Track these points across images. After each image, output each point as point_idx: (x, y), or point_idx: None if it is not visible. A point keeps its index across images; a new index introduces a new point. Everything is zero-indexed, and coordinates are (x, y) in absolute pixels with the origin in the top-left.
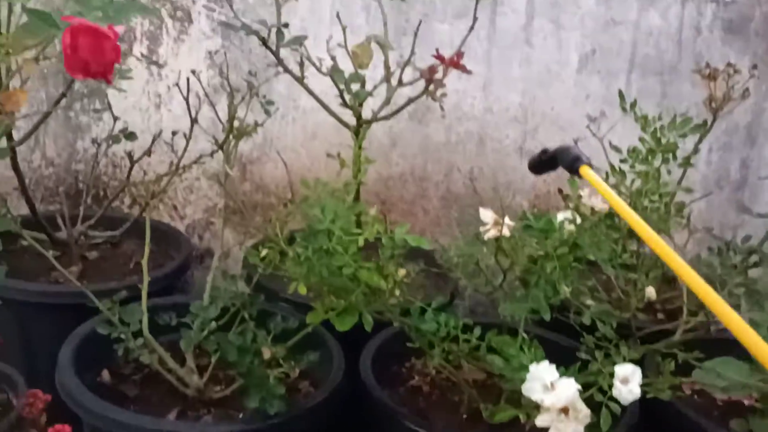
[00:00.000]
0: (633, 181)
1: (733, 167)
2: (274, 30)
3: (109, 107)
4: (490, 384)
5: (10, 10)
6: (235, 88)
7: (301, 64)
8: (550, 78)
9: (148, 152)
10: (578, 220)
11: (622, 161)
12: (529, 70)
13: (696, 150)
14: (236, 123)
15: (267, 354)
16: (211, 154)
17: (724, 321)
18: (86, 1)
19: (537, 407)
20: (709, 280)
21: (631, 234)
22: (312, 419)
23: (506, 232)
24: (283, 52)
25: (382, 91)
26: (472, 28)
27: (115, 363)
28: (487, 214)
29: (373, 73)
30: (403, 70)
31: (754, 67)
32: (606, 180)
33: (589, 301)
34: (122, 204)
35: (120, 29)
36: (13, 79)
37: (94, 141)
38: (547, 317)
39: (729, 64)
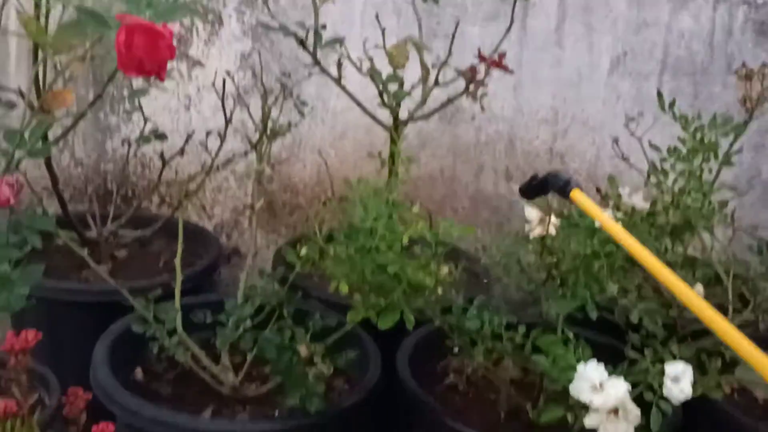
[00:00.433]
0: (675, 180)
1: (765, 167)
2: (310, 31)
3: (140, 108)
4: (527, 382)
5: (48, 9)
6: (267, 90)
7: (339, 65)
8: (580, 80)
9: (181, 152)
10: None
11: (662, 160)
12: (560, 72)
13: (736, 149)
14: (269, 123)
15: (305, 352)
16: (245, 154)
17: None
18: (137, 0)
19: (585, 407)
20: (747, 280)
21: (674, 233)
22: (350, 417)
23: (552, 230)
24: (318, 54)
25: (415, 93)
26: (508, 29)
27: (148, 361)
28: (532, 213)
29: (407, 75)
30: (439, 71)
31: None
32: (648, 179)
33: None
34: (150, 204)
35: (174, 28)
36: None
37: (124, 141)
38: (594, 315)
39: (764, 64)
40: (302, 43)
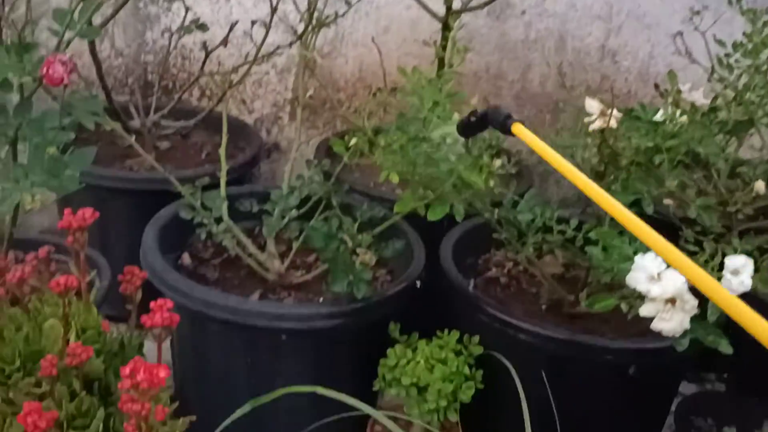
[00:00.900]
0: (740, 75)
1: None
2: None
3: None
4: (568, 278)
5: None
6: None
7: None
8: None
9: (224, 42)
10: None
11: (726, 55)
12: None
13: None
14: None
15: (365, 258)
16: (290, 45)
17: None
18: None
19: (639, 297)
20: None
21: (734, 130)
22: (393, 305)
23: (613, 123)
24: None
25: None
26: None
27: (195, 247)
28: (593, 105)
29: None
30: None
31: None
32: (711, 75)
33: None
34: (191, 96)
35: None
36: None
37: (165, 31)
38: (650, 210)
39: None
40: None
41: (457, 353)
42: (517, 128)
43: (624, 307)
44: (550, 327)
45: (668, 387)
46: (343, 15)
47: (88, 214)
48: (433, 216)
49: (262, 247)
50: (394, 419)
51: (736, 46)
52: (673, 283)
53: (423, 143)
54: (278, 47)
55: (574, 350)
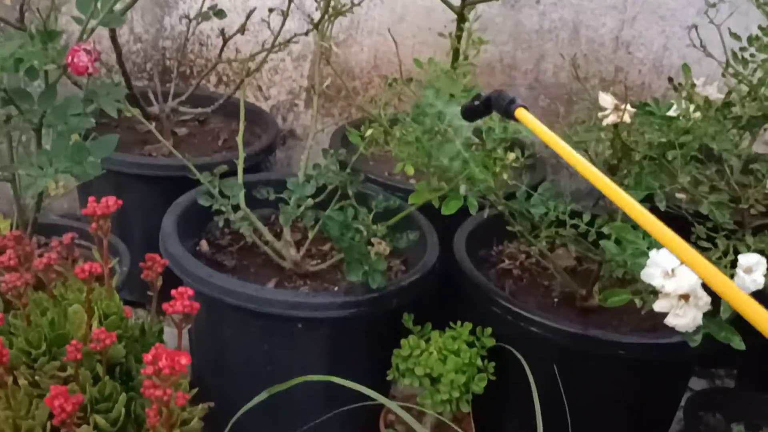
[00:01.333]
0: (755, 70)
1: None
2: None
3: None
4: (580, 271)
5: None
6: None
7: None
8: None
9: (242, 29)
10: (691, 110)
11: (741, 49)
12: None
13: None
14: (331, 1)
15: (380, 248)
16: (306, 33)
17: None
18: None
19: (652, 292)
20: None
21: (747, 125)
22: (407, 295)
23: (627, 118)
24: None
25: None
26: None
27: (212, 234)
28: (606, 99)
29: None
30: None
31: None
32: (726, 69)
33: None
34: (208, 82)
35: None
36: None
37: (184, 17)
38: (663, 206)
39: None
40: None
41: (470, 345)
42: (521, 113)
43: (638, 302)
44: (562, 320)
45: (678, 382)
46: (359, 3)
47: (111, 201)
48: (447, 210)
49: (278, 235)
50: (407, 409)
51: (751, 40)
52: (688, 279)
53: (438, 136)
54: (295, 35)
55: (586, 344)
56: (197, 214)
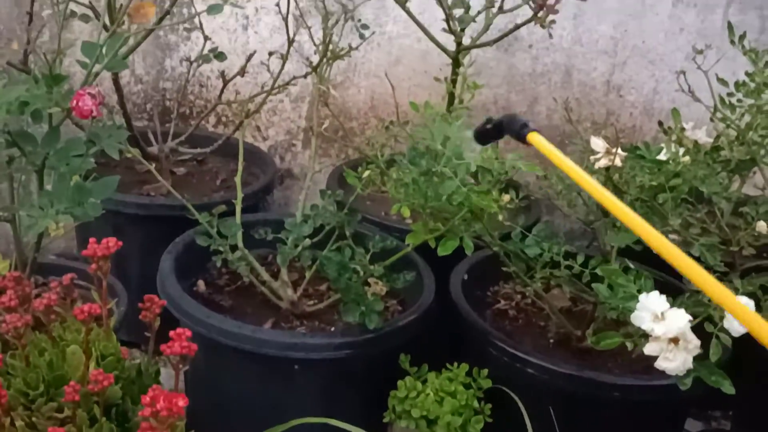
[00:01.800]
0: (742, 115)
1: None
2: None
3: (201, 27)
4: (576, 312)
5: None
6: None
7: None
8: (643, 10)
9: (242, 72)
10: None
11: (729, 95)
12: (623, 1)
13: None
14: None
15: (377, 288)
16: (305, 76)
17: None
18: None
19: (643, 335)
20: None
21: (736, 169)
22: (404, 336)
23: (618, 162)
24: None
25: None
26: None
27: (209, 274)
28: (598, 143)
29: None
30: None
31: None
32: (714, 113)
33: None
34: (207, 123)
35: None
36: None
37: (185, 59)
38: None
39: None
40: None
41: (467, 386)
42: (533, 137)
43: (629, 345)
44: (558, 362)
45: (674, 424)
46: (357, 48)
47: (111, 242)
48: (444, 251)
49: (275, 275)
50: None
51: (738, 85)
52: (677, 322)
53: (434, 178)
54: (294, 77)
55: (582, 385)
56: (195, 255)
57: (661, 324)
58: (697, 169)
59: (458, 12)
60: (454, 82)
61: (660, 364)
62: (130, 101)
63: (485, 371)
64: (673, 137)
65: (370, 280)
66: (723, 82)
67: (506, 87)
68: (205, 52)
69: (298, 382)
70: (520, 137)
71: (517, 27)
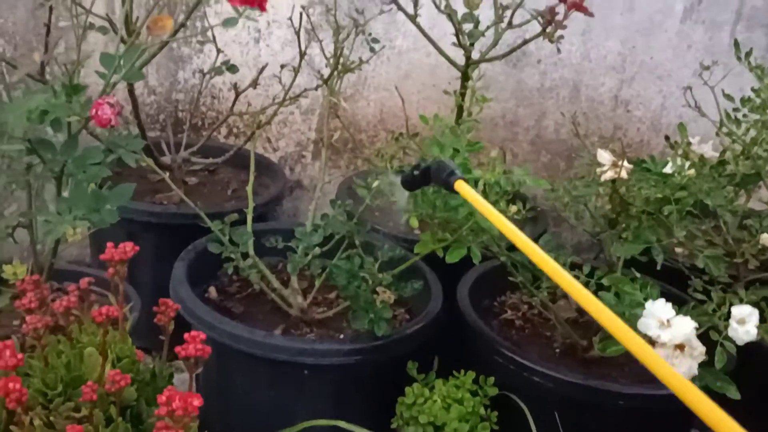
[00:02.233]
0: (747, 130)
1: None
2: None
3: (214, 40)
4: (581, 322)
5: None
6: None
7: (416, 3)
8: (652, 27)
9: (254, 84)
10: (686, 167)
11: (735, 110)
12: (631, 18)
13: None
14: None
15: (385, 297)
16: (316, 88)
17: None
18: None
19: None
20: None
21: (742, 183)
22: (412, 343)
23: (624, 174)
24: None
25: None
26: None
27: (220, 281)
28: (605, 156)
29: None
30: (514, 12)
31: None
32: (720, 128)
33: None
34: (218, 134)
35: None
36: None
37: (198, 71)
38: (660, 259)
39: None
40: None
41: (473, 393)
42: (460, 186)
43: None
44: (564, 370)
45: None
46: (368, 61)
47: (128, 247)
48: (452, 259)
49: (285, 283)
50: None
51: (744, 101)
52: (682, 329)
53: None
54: (305, 90)
55: (587, 394)
56: (206, 262)
57: (667, 331)
58: (702, 182)
59: (468, 27)
60: (462, 95)
61: None
62: (143, 112)
63: (492, 379)
64: (680, 151)
65: (378, 288)
66: (729, 97)
67: (514, 101)
68: (218, 64)
69: (307, 388)
70: (447, 185)
71: (526, 42)
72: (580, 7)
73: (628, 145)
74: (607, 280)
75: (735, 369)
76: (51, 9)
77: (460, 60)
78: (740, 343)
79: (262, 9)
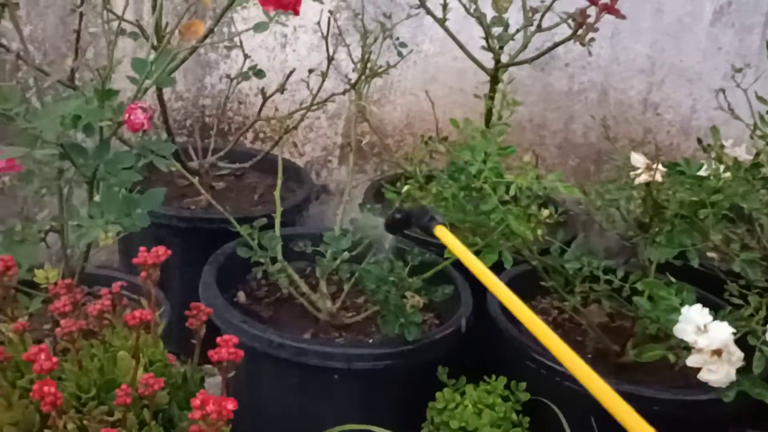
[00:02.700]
0: None
1: None
2: None
3: (240, 45)
4: (613, 327)
5: None
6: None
7: (444, 7)
8: (681, 29)
9: (281, 89)
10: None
11: None
12: (660, 20)
13: None
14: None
15: (414, 301)
16: (344, 93)
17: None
18: None
19: (685, 348)
20: None
21: None
22: (442, 348)
23: (658, 177)
24: None
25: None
26: None
27: (248, 285)
28: (639, 159)
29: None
30: (543, 15)
31: None
32: (753, 131)
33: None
34: (245, 139)
35: None
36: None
37: (225, 77)
38: (696, 263)
39: None
40: None
41: (505, 399)
42: (440, 231)
43: (671, 357)
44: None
45: None
46: (395, 65)
47: (161, 251)
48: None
49: (313, 288)
50: None
51: None
52: (720, 334)
53: (473, 194)
54: (332, 94)
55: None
56: (235, 267)
57: (704, 336)
58: (737, 185)
59: (497, 30)
60: (492, 98)
61: (703, 376)
62: (171, 117)
63: (523, 384)
64: (713, 154)
65: (407, 293)
66: (762, 100)
67: (542, 105)
68: (245, 69)
69: (337, 392)
70: (428, 230)
71: (556, 45)
72: (612, 10)
73: (657, 148)
74: (641, 285)
75: None
76: (81, 15)
77: (488, 63)
78: None
79: (296, 13)
